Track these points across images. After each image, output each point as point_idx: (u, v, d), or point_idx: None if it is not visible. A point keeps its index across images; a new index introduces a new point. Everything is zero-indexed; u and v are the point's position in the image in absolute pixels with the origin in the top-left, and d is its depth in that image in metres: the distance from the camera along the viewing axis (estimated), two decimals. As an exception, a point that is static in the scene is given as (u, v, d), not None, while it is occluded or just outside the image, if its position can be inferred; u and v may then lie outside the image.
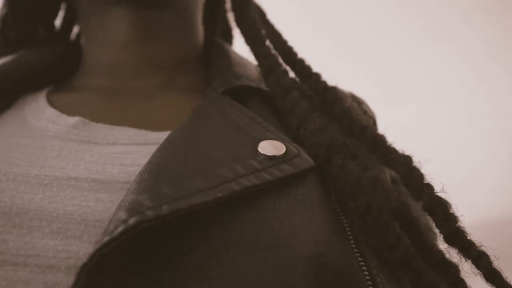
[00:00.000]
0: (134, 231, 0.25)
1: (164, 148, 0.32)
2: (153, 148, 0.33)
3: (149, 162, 0.31)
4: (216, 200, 0.28)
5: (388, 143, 0.35)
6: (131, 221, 0.25)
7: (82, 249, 0.28)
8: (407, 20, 1.72)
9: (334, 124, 0.37)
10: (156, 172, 0.30)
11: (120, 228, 0.25)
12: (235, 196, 0.29)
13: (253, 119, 0.37)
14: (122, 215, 0.26)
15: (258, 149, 0.33)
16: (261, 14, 0.50)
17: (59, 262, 0.28)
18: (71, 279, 0.26)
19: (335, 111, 0.38)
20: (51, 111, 0.41)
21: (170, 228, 0.27)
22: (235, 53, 0.49)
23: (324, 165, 0.34)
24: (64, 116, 0.40)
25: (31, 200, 0.31)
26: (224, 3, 0.55)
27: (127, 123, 0.38)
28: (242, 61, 0.47)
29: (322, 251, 0.28)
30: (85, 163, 0.34)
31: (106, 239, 0.25)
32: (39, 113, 0.41)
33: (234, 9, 0.51)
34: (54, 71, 0.48)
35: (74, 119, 0.39)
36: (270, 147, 0.33)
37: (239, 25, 0.48)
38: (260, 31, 0.46)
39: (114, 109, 0.41)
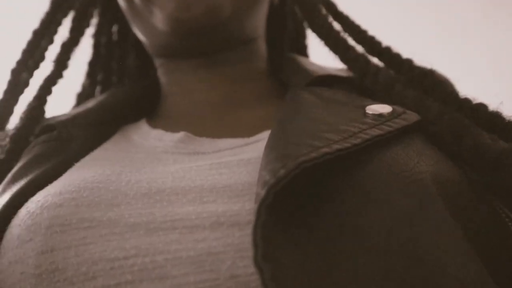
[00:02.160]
0: (295, 173, 0.28)
1: (279, 125, 0.36)
2: (257, 145, 0.38)
3: (277, 128, 0.36)
4: (354, 147, 0.32)
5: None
6: (290, 165, 0.28)
7: (220, 208, 0.33)
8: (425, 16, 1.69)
9: (449, 107, 0.40)
10: (286, 134, 0.34)
11: (283, 171, 0.28)
12: (361, 149, 0.33)
13: (349, 96, 0.41)
14: (277, 165, 0.29)
15: (366, 111, 0.37)
16: (332, 8, 0.53)
17: (202, 221, 0.32)
18: (216, 234, 0.31)
19: (440, 94, 0.41)
20: (156, 132, 0.46)
21: (314, 177, 0.31)
22: (309, 61, 0.54)
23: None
24: (169, 133, 0.45)
25: (165, 182, 0.36)
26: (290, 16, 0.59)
27: (225, 135, 0.43)
28: (317, 64, 0.51)
29: (451, 178, 0.34)
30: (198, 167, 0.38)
31: (282, 171, 0.28)
32: (145, 135, 0.46)
33: (304, 16, 0.54)
34: (144, 102, 0.54)
35: (179, 135, 0.44)
36: (376, 108, 0.37)
37: (316, 32, 0.51)
38: (338, 33, 0.49)
39: (210, 125, 0.46)
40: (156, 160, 0.41)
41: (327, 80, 0.46)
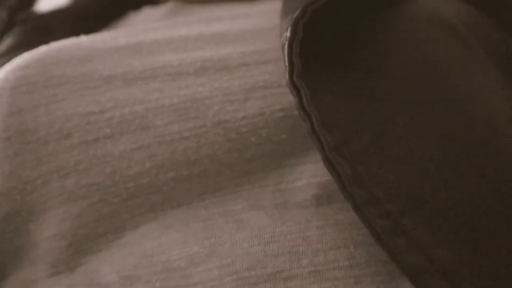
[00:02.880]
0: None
1: None
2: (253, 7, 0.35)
3: None
4: None
5: None
6: None
7: (206, 54, 0.30)
8: None
9: None
10: None
11: None
12: None
13: None
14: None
15: None
16: None
17: (186, 67, 0.29)
18: (202, 79, 0.28)
19: None
20: (146, 9, 0.42)
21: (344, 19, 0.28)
22: None
23: None
24: (157, 8, 0.41)
25: (146, 36, 0.32)
26: None
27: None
28: None
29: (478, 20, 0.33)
30: None
31: None
32: (131, 16, 0.42)
33: None
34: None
35: (168, 5, 0.40)
36: None
37: None
38: None
39: None
40: (135, 26, 0.37)
41: None
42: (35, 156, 0.28)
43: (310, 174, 0.26)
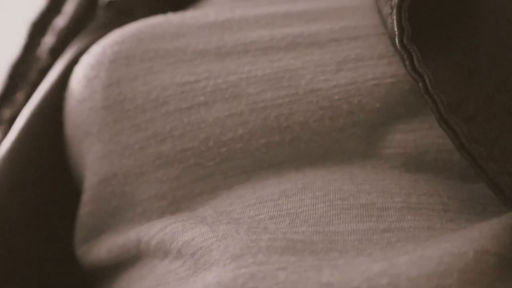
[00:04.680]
0: None
1: None
2: None
3: None
4: None
5: None
6: None
7: (295, 30, 0.31)
8: None
9: None
10: None
11: None
12: None
13: None
14: None
15: None
16: None
17: (277, 42, 0.30)
18: (293, 54, 0.29)
19: None
20: None
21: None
22: None
23: None
24: None
25: (233, 12, 0.33)
26: None
27: None
28: None
29: None
30: None
31: None
32: None
33: None
34: None
35: None
36: None
37: None
38: None
39: None
40: (221, 5, 0.39)
41: None
42: (133, 123, 0.30)
43: (399, 144, 0.27)
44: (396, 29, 0.26)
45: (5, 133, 0.40)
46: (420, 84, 0.24)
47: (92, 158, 0.31)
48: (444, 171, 0.27)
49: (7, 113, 0.43)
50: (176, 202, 0.29)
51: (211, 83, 0.29)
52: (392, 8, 0.26)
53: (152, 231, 0.27)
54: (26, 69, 0.44)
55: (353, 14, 0.31)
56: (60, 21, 0.47)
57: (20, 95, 0.43)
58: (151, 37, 0.32)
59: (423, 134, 0.27)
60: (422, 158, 0.27)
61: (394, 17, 0.26)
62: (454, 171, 0.27)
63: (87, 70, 0.33)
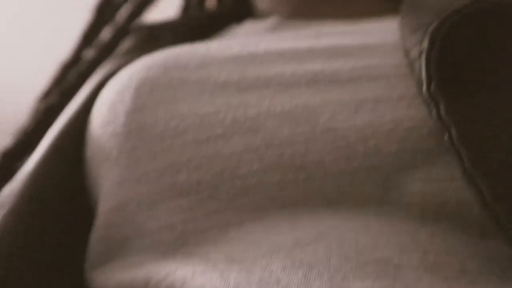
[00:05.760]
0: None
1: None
2: (362, 25, 0.36)
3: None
4: None
5: None
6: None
7: (317, 66, 0.30)
8: None
9: None
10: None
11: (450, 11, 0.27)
12: None
13: None
14: (434, 16, 0.27)
15: None
16: None
17: (298, 78, 0.30)
18: (313, 90, 0.29)
19: None
20: (248, 22, 0.43)
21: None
22: None
23: None
24: (260, 21, 0.42)
25: (258, 46, 0.33)
26: None
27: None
28: None
29: None
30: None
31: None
32: (236, 27, 0.44)
33: None
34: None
35: (271, 19, 0.41)
36: None
37: None
38: None
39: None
40: (246, 37, 0.39)
41: None
42: (151, 150, 0.30)
43: (417, 194, 0.26)
44: (424, 77, 0.25)
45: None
46: (445, 135, 0.24)
47: (109, 183, 0.32)
48: (462, 224, 0.26)
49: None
50: (185, 236, 0.29)
51: (230, 115, 0.30)
52: (420, 54, 0.26)
53: (161, 273, 0.27)
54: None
55: (376, 52, 0.31)
56: (90, 52, 0.48)
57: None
58: (176, 66, 0.33)
59: (443, 186, 0.26)
60: (441, 209, 0.26)
61: (423, 63, 0.25)
62: (473, 226, 0.26)
63: (112, 94, 0.34)
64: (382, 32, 0.33)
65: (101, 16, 0.49)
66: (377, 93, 0.29)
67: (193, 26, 0.48)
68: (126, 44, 0.45)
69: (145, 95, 0.32)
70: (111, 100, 0.33)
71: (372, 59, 0.31)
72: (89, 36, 0.48)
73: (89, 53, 0.48)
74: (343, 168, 0.27)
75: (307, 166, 0.28)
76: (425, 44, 0.26)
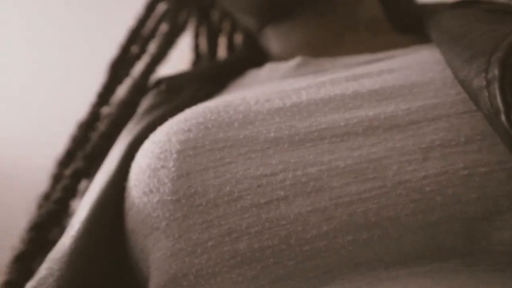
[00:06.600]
0: None
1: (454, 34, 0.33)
2: (394, 58, 0.35)
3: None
4: None
5: None
6: None
7: (370, 112, 0.29)
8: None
9: None
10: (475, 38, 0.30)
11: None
12: None
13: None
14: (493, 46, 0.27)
15: None
16: None
17: (353, 127, 0.29)
18: (372, 139, 0.28)
19: None
20: (268, 65, 0.42)
21: None
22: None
23: None
24: (282, 63, 0.41)
25: (299, 96, 0.32)
26: None
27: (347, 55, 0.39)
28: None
29: None
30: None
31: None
32: (257, 72, 0.43)
33: None
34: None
35: (295, 60, 0.40)
36: None
37: None
38: None
39: (327, 50, 0.41)
40: (278, 83, 0.37)
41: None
42: (205, 218, 0.28)
43: (506, 240, 0.25)
44: (501, 105, 0.24)
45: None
46: None
47: (160, 256, 0.29)
48: None
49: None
50: None
51: (290, 176, 0.28)
52: (489, 82, 0.25)
53: None
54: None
55: (426, 91, 0.30)
56: (108, 110, 0.47)
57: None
58: (218, 125, 0.31)
59: None
60: None
61: (497, 92, 0.24)
62: None
63: (152, 159, 0.31)
64: (419, 67, 0.32)
65: (116, 74, 0.47)
66: (442, 137, 0.27)
67: (211, 75, 0.47)
68: (147, 101, 0.43)
69: (190, 158, 0.30)
70: (152, 165, 0.31)
71: (426, 99, 0.29)
72: (105, 94, 0.46)
73: (108, 111, 0.46)
74: (421, 221, 0.26)
75: (381, 223, 0.26)
76: (495, 72, 0.25)
